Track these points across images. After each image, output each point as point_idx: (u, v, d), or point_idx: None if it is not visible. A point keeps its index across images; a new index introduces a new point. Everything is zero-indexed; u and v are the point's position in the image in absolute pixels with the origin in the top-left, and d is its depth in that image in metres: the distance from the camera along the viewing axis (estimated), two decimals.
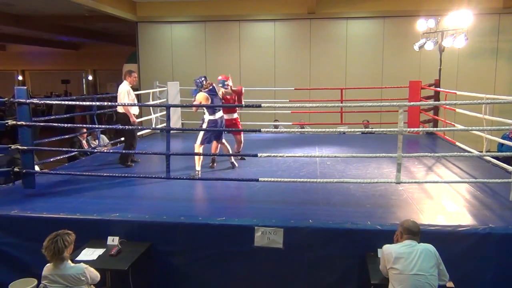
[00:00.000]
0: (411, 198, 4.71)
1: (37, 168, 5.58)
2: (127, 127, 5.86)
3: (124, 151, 6.25)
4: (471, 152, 5.96)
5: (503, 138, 6.96)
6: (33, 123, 4.96)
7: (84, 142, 7.56)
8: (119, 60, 15.64)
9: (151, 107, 9.37)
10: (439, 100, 8.76)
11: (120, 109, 6.19)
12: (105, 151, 7.05)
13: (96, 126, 6.92)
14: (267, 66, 11.50)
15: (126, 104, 5.99)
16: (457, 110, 7.25)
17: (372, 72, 11.73)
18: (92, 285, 3.34)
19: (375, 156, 5.59)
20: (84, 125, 7.40)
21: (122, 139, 7.15)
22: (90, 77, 24.68)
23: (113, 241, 3.89)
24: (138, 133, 8.44)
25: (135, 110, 6.27)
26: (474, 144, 6.88)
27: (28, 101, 4.80)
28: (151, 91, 9.29)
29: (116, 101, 6.15)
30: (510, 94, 10.61)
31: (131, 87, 6.29)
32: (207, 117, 5.84)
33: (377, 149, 6.68)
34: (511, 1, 10.86)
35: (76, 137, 7.37)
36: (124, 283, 3.60)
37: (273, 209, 4.43)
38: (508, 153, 5.34)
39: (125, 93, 6.16)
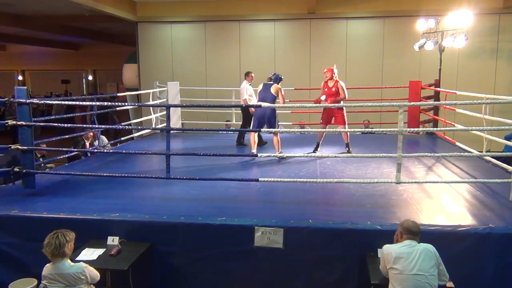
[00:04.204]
0: (411, 198, 4.71)
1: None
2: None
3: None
4: (471, 152, 5.95)
5: (506, 138, 6.91)
6: (33, 123, 4.95)
7: (87, 143, 7.55)
8: (119, 60, 15.62)
9: (151, 107, 9.38)
10: (439, 100, 8.75)
11: (243, 102, 7.73)
12: (105, 151, 7.05)
13: (113, 125, 7.08)
14: (267, 66, 11.47)
15: (135, 105, 6.02)
16: (457, 110, 7.25)
17: (372, 72, 11.73)
18: (92, 285, 3.34)
19: (375, 156, 5.59)
20: (97, 126, 7.69)
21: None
22: (90, 77, 24.69)
23: (113, 241, 3.89)
24: (138, 133, 9.07)
25: (254, 102, 7.49)
26: (474, 144, 6.87)
27: (28, 101, 4.80)
28: (151, 91, 9.29)
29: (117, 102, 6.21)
30: (510, 94, 10.62)
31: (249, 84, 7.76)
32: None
33: (377, 149, 6.68)
34: (511, 1, 10.87)
35: (80, 137, 7.37)
36: (124, 283, 3.59)
37: (273, 209, 4.42)
38: (507, 153, 5.34)
39: (244, 90, 7.67)
